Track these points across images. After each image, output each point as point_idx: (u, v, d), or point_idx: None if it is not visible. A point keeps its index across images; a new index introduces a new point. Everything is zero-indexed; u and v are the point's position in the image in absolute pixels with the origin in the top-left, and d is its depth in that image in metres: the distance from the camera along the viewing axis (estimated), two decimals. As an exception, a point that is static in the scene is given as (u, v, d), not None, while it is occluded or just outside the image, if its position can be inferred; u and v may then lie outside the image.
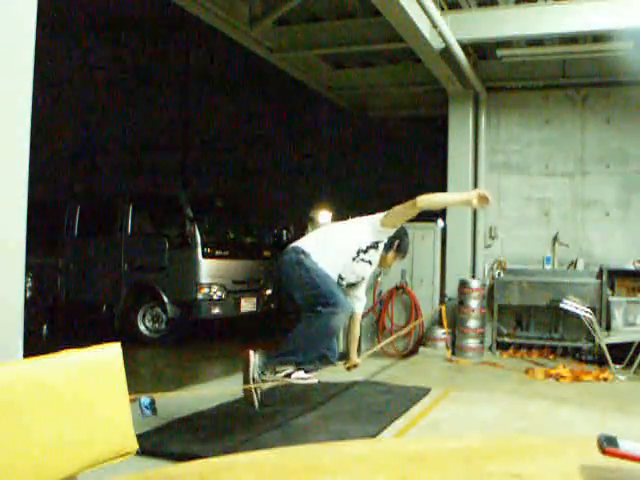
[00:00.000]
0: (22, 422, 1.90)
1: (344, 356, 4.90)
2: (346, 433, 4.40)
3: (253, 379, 3.99)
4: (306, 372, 4.25)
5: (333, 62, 10.06)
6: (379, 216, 4.31)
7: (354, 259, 4.34)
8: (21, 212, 3.07)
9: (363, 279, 4.57)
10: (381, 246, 4.47)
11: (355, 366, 4.92)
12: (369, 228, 4.33)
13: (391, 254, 4.62)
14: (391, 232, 4.38)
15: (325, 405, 5.28)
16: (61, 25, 11.64)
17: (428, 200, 4.10)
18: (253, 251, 10.25)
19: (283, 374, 4.11)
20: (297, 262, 4.05)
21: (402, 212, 4.19)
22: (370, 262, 4.44)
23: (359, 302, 4.70)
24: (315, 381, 4.24)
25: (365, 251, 4.36)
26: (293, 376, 4.13)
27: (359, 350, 5.75)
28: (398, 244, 4.62)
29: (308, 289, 4.02)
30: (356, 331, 4.88)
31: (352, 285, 4.54)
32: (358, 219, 4.50)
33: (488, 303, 8.51)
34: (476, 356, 8.05)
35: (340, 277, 4.35)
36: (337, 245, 4.31)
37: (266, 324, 10.49)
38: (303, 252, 4.10)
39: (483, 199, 4.06)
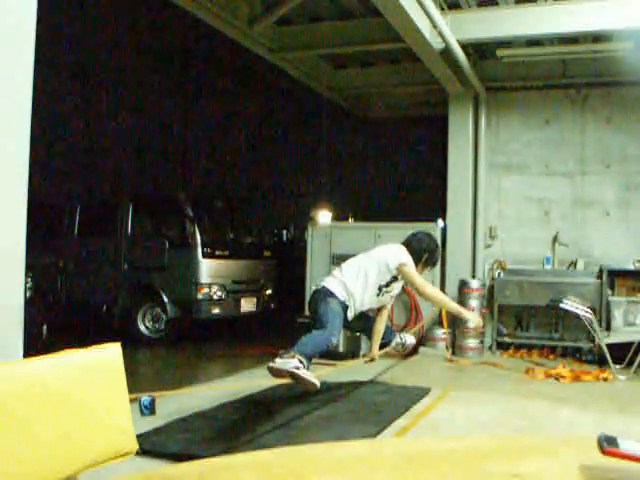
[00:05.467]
0: (22, 422, 1.90)
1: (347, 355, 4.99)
2: (346, 433, 4.40)
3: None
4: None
5: (333, 62, 10.06)
6: (394, 260, 4.88)
7: (378, 295, 4.97)
8: (21, 212, 3.07)
9: (391, 297, 5.17)
10: (400, 277, 4.96)
11: (373, 360, 5.46)
12: (385, 268, 4.89)
13: (420, 266, 5.06)
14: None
15: (325, 405, 5.28)
16: (60, 26, 11.65)
17: (433, 297, 5.03)
18: (253, 251, 10.25)
19: (293, 365, 4.14)
20: (324, 301, 4.79)
21: (408, 280, 4.96)
22: (394, 289, 5.04)
23: (392, 299, 5.22)
24: (317, 384, 4.25)
25: (386, 285, 4.94)
26: (302, 370, 4.17)
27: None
28: (427, 258, 5.07)
29: (324, 318, 4.72)
30: (381, 327, 5.31)
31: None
32: (376, 254, 5.00)
33: (488, 303, 8.51)
34: (476, 356, 8.05)
35: (369, 309, 5.13)
36: (361, 288, 4.87)
37: (266, 324, 10.50)
38: (332, 294, 4.81)
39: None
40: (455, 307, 5.25)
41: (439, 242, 5.31)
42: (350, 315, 4.94)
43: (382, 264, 4.89)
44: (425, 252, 5.03)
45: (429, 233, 5.37)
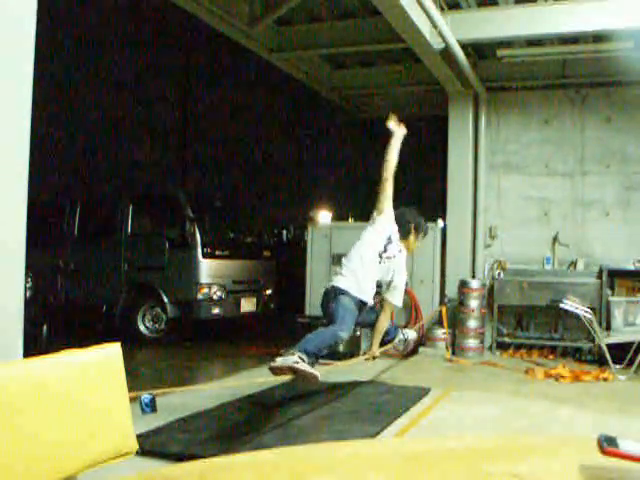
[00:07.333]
0: (22, 422, 1.90)
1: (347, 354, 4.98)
2: (346, 433, 4.40)
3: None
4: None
5: (333, 62, 10.06)
6: (373, 216, 5.00)
7: (380, 263, 4.98)
8: (21, 212, 3.07)
9: (394, 271, 5.06)
10: (394, 238, 5.00)
11: (374, 358, 5.43)
12: (372, 231, 4.97)
13: (412, 237, 5.16)
14: (390, 217, 5.00)
15: (325, 405, 5.28)
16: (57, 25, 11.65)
17: (388, 168, 4.91)
18: (253, 251, 10.25)
19: (293, 360, 4.15)
20: (335, 299, 4.84)
21: (382, 194, 4.94)
22: (395, 255, 5.01)
23: (395, 291, 5.13)
24: (318, 375, 4.26)
25: (384, 250, 4.97)
26: (301, 364, 4.18)
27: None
28: (414, 227, 5.16)
29: (335, 314, 4.76)
30: (384, 324, 5.25)
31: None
32: (364, 233, 5.04)
33: (488, 303, 8.51)
34: (476, 356, 8.05)
35: (378, 285, 5.08)
36: (364, 266, 4.91)
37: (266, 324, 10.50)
38: (342, 292, 4.84)
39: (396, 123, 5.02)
40: (393, 145, 4.98)
41: (415, 211, 5.31)
42: (370, 302, 5.01)
43: (370, 232, 4.98)
44: (409, 223, 5.13)
45: (409, 207, 5.36)
